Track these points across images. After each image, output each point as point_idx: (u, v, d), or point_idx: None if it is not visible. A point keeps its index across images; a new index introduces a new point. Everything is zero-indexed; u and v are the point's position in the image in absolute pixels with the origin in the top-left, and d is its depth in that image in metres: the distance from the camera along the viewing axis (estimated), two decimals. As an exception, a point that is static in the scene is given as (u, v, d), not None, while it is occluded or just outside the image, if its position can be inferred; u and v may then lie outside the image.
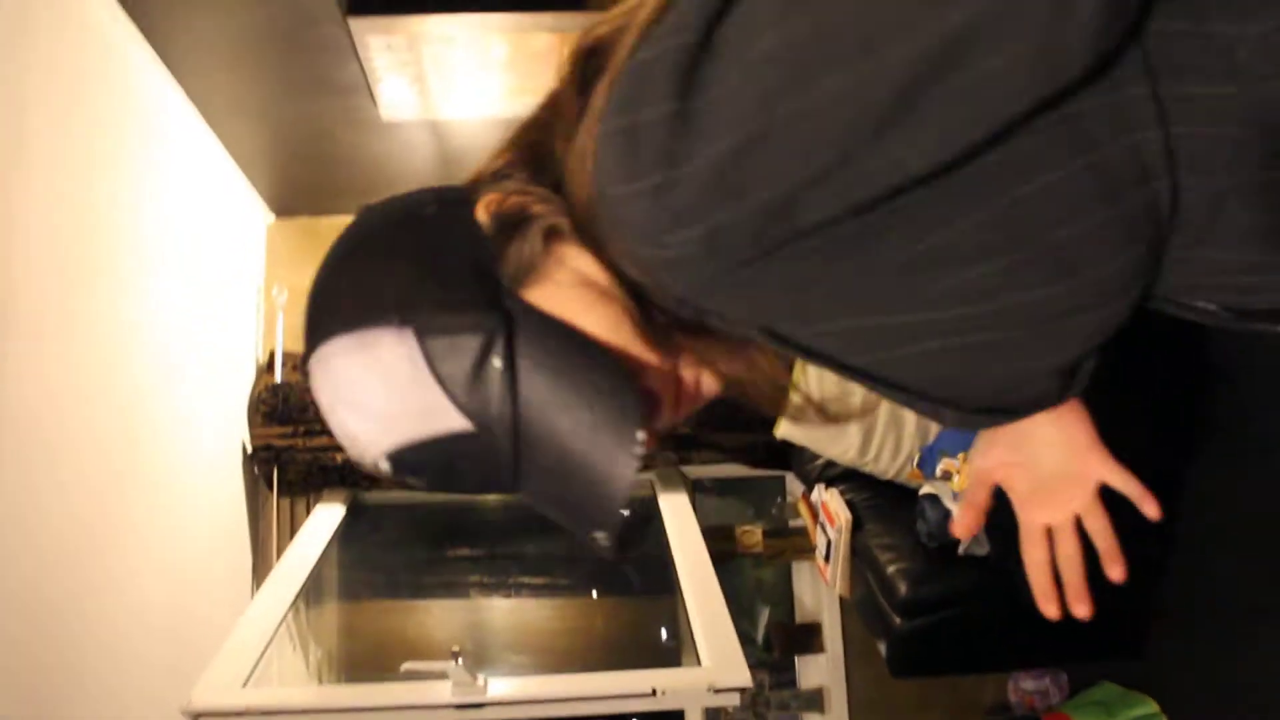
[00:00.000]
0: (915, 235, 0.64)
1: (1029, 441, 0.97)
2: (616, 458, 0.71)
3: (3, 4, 1.96)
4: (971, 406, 0.80)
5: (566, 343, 0.72)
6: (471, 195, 0.77)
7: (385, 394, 0.72)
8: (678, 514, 3.34)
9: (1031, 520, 1.02)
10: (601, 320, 0.73)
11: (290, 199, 3.68)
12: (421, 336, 0.71)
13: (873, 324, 0.70)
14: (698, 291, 0.69)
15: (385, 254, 0.76)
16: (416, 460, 0.73)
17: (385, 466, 0.74)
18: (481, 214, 0.75)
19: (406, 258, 0.75)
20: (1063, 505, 0.99)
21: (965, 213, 0.63)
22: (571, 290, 0.74)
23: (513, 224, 0.74)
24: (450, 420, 0.71)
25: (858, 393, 2.81)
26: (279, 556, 3.18)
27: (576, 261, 0.74)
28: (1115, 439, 2.28)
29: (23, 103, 2.06)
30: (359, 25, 2.51)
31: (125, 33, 2.48)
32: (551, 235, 0.74)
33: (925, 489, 2.71)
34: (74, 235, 2.29)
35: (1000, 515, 2.49)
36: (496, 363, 0.70)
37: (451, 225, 0.76)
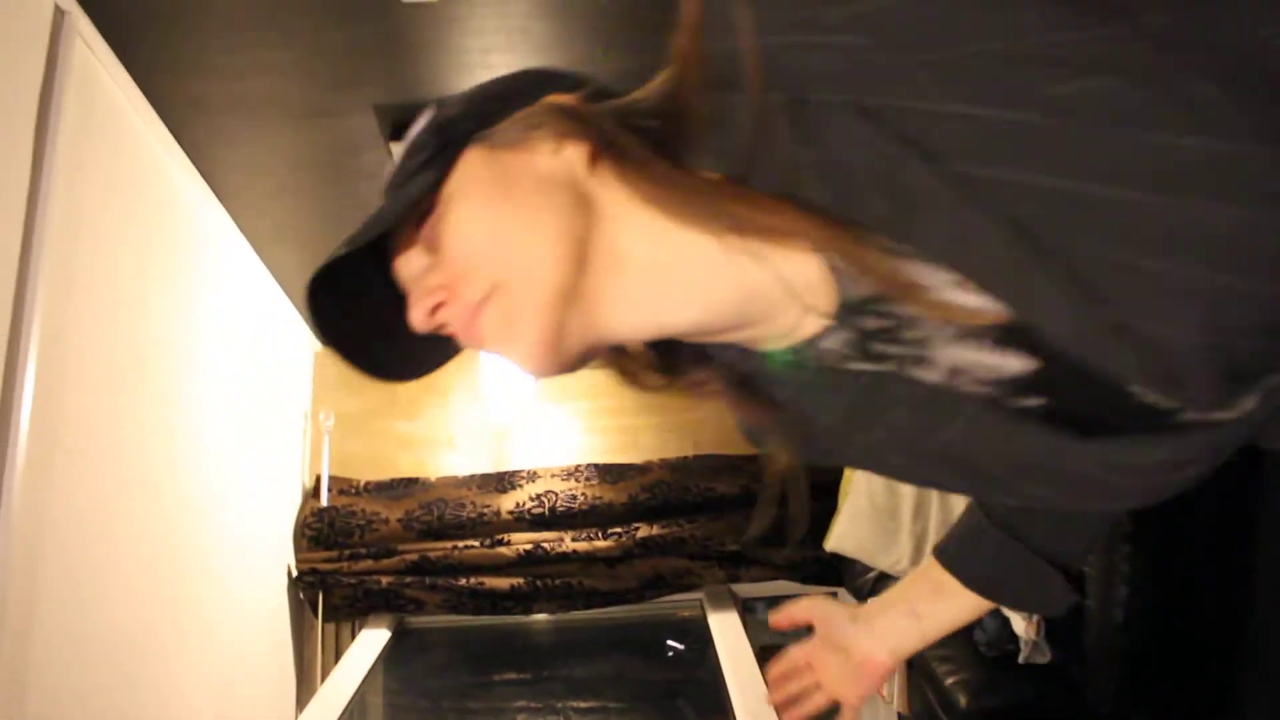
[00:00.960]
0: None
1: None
2: (371, 223, 0.76)
3: (61, 133, 2.03)
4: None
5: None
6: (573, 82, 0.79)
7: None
8: (729, 634, 3.27)
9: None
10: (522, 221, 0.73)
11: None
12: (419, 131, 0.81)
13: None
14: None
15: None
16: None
17: None
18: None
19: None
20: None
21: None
22: (537, 182, 0.74)
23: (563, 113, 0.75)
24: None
25: (907, 495, 2.73)
26: (323, 681, 3.14)
27: (583, 178, 0.74)
28: (1175, 523, 2.19)
29: (78, 226, 2.13)
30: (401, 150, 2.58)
31: (176, 161, 2.56)
32: (576, 137, 0.74)
33: (981, 596, 2.63)
34: (125, 357, 2.33)
35: (1063, 622, 2.41)
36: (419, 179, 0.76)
37: (525, 79, 0.81)
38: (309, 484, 3.60)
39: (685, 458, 3.61)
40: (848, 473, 2.97)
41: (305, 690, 3.39)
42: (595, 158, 0.74)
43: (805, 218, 0.66)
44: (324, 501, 3.46)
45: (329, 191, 2.84)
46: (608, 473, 3.53)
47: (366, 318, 0.84)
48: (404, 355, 0.86)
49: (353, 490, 3.53)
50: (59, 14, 2.07)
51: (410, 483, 3.57)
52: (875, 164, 0.62)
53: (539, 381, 3.34)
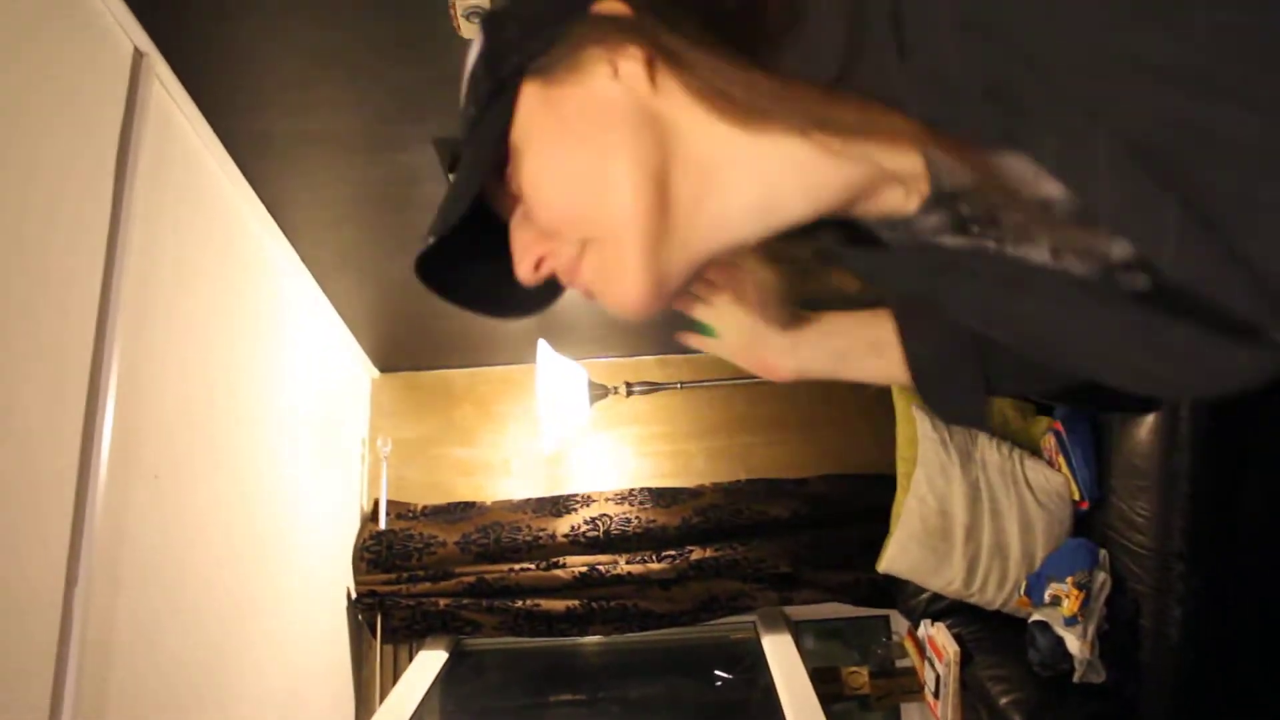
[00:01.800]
0: None
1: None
2: (456, 196, 0.74)
3: (139, 171, 2.12)
4: None
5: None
6: None
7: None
8: (782, 656, 3.29)
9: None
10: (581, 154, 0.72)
11: (393, 355, 3.82)
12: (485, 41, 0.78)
13: None
14: None
15: None
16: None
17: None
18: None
19: None
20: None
21: None
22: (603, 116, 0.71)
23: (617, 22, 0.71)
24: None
25: (959, 518, 2.72)
26: (381, 702, 3.19)
27: (646, 98, 0.70)
28: (1230, 541, 2.19)
29: (153, 261, 2.21)
30: (460, 180, 2.65)
31: (243, 195, 2.65)
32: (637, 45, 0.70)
33: (1035, 616, 2.64)
34: (197, 386, 2.42)
35: (1118, 640, 2.42)
36: (471, 110, 0.78)
37: None
38: (367, 508, 3.67)
39: (737, 481, 3.65)
40: (899, 495, 3.00)
41: (364, 711, 3.45)
42: (653, 71, 0.70)
43: (899, 119, 0.64)
44: (382, 525, 3.53)
45: (389, 221, 2.92)
46: (661, 496, 3.57)
47: (474, 264, 0.85)
48: (516, 291, 0.85)
49: (410, 514, 3.60)
50: (138, 56, 2.17)
51: (467, 506, 3.63)
52: (983, 74, 0.59)
53: (590, 409, 3.39)
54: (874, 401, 3.30)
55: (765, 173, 0.71)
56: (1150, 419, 2.45)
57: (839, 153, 0.68)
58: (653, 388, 3.54)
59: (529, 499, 3.65)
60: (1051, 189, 0.65)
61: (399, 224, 2.92)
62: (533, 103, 0.73)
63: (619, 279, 0.72)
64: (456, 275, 0.82)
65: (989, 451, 2.88)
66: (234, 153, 2.53)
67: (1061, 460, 2.73)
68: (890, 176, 0.70)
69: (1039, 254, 0.71)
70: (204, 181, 2.48)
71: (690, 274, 0.75)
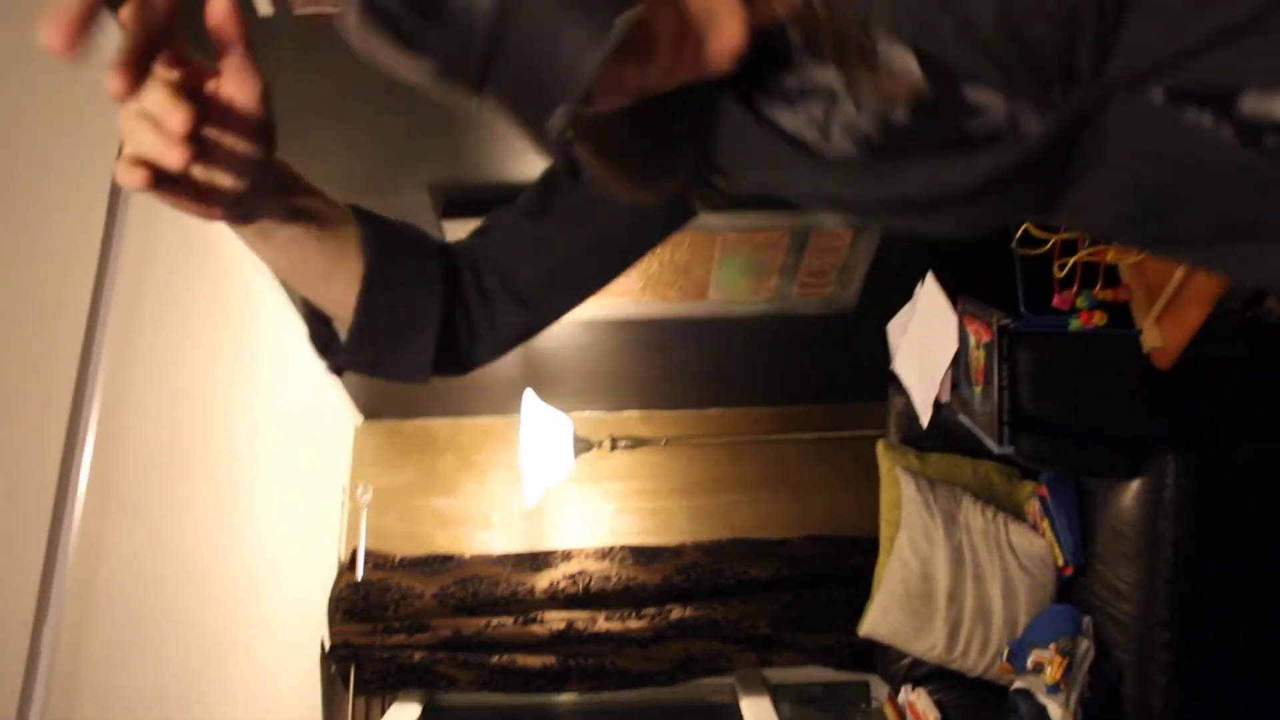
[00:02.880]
0: None
1: None
2: (586, 38, 0.70)
3: (131, 206, 2.12)
4: None
5: None
6: None
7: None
8: (760, 719, 3.25)
9: None
10: None
11: (377, 402, 3.80)
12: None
13: None
14: None
15: None
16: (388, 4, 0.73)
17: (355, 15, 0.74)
18: None
19: None
20: None
21: None
22: None
23: None
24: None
25: (941, 582, 2.71)
26: (353, 756, 3.13)
27: None
28: (1212, 609, 2.18)
29: (141, 296, 2.20)
30: (454, 228, 2.66)
31: (231, 235, 2.65)
32: None
33: (1017, 684, 2.62)
34: (177, 425, 2.39)
35: (1101, 709, 2.39)
36: None
37: None
38: (345, 557, 3.63)
39: (719, 541, 3.62)
40: (882, 557, 2.98)
41: (334, 765, 3.38)
42: None
43: None
44: (359, 575, 3.48)
45: (379, 268, 2.92)
46: (641, 554, 3.54)
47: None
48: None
49: (388, 565, 3.56)
50: (134, 91, 2.17)
51: (445, 559, 3.59)
52: None
53: (573, 463, 3.38)
54: (858, 463, 3.29)
55: None
56: (1134, 485, 2.45)
57: None
58: (637, 443, 3.53)
59: (508, 553, 3.61)
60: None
61: (389, 269, 2.91)
62: None
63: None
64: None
65: (973, 515, 2.87)
66: (227, 191, 2.52)
67: (1046, 525, 2.72)
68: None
69: (793, 121, 0.84)
70: (196, 221, 2.47)
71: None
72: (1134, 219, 0.84)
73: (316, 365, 2.73)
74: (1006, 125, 0.77)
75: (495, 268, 1.03)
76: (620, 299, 3.07)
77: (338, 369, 1.02)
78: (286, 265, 0.93)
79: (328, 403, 3.60)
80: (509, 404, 3.53)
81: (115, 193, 2.10)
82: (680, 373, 3.51)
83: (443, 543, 3.69)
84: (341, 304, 0.96)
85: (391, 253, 0.95)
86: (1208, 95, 0.72)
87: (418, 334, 0.97)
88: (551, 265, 1.04)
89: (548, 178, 1.05)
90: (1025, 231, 2.27)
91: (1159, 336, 2.25)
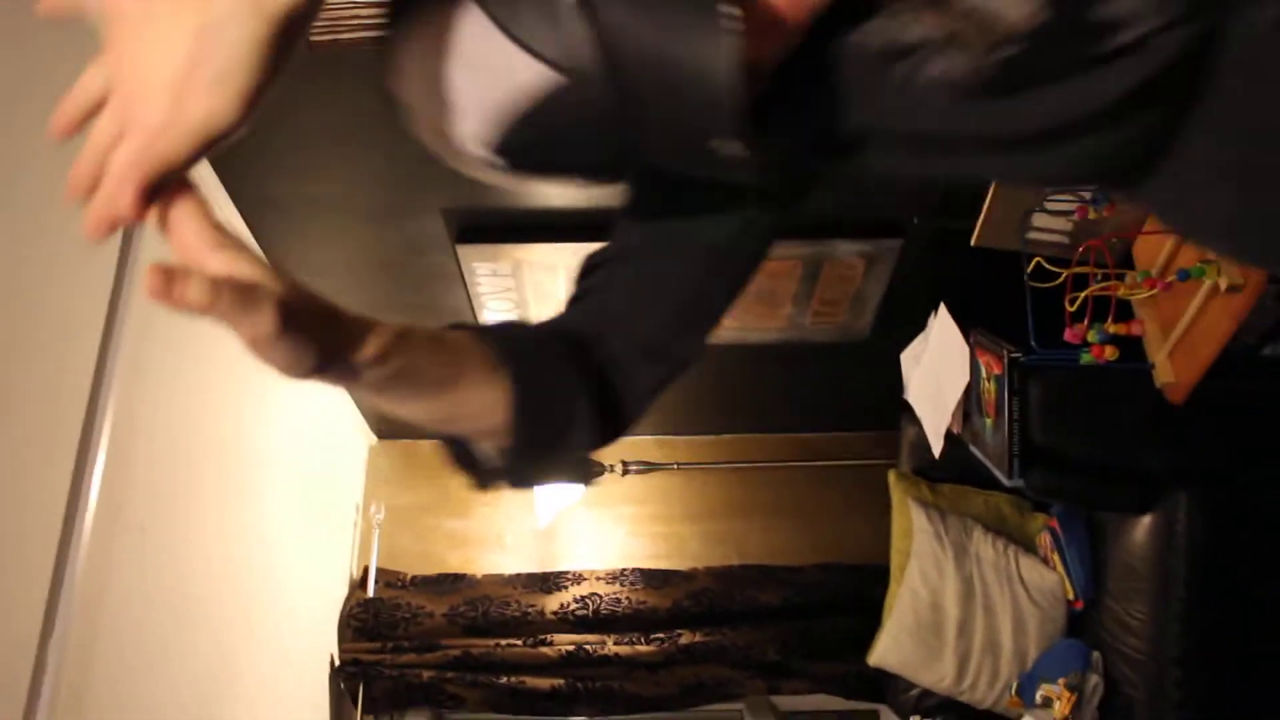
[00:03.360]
0: None
1: None
2: (707, 40, 0.66)
3: (143, 240, 2.15)
4: None
5: None
6: None
7: (466, 75, 0.70)
8: (768, 747, 3.23)
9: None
10: None
11: (391, 422, 3.81)
12: (484, 5, 0.68)
13: None
14: None
15: None
16: (518, 138, 0.71)
17: (489, 155, 0.73)
18: None
19: None
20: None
21: None
22: None
23: None
24: (537, 75, 0.68)
25: (951, 613, 2.69)
26: (360, 776, 3.14)
27: None
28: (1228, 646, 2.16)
29: (153, 317, 2.23)
30: (466, 252, 2.68)
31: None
32: None
33: (1025, 718, 2.60)
34: (188, 443, 2.41)
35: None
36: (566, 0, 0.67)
37: None
38: (356, 575, 3.64)
39: (730, 566, 3.61)
40: (893, 587, 2.97)
41: (341, 783, 3.39)
42: None
43: None
44: (370, 593, 3.49)
45: (394, 289, 2.94)
46: (653, 578, 3.54)
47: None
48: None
49: (399, 583, 3.56)
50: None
51: (457, 579, 3.59)
52: None
53: (588, 486, 3.38)
54: (870, 492, 3.28)
55: None
56: (1146, 520, 2.43)
57: None
58: (649, 467, 3.53)
59: (519, 574, 3.62)
60: None
61: (404, 292, 2.94)
62: None
63: None
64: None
65: (984, 546, 2.86)
66: (243, 213, 2.55)
67: (1056, 558, 2.71)
68: None
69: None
70: (212, 239, 2.50)
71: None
72: (1239, 171, 0.79)
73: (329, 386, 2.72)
74: (1137, 40, 0.72)
75: (616, 333, 0.95)
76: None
77: (499, 484, 0.96)
78: (412, 413, 0.85)
79: (342, 422, 3.62)
80: (522, 425, 3.53)
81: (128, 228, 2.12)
82: (694, 398, 3.51)
83: (454, 563, 3.70)
84: (483, 427, 0.89)
85: (525, 367, 0.88)
86: None
87: (575, 435, 0.93)
88: (671, 309, 0.96)
89: (626, 217, 0.98)
90: (1037, 265, 2.26)
91: (1172, 371, 2.24)
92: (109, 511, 2.03)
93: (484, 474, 0.94)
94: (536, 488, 3.41)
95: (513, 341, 0.89)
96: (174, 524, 2.35)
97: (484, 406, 0.86)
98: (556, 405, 0.90)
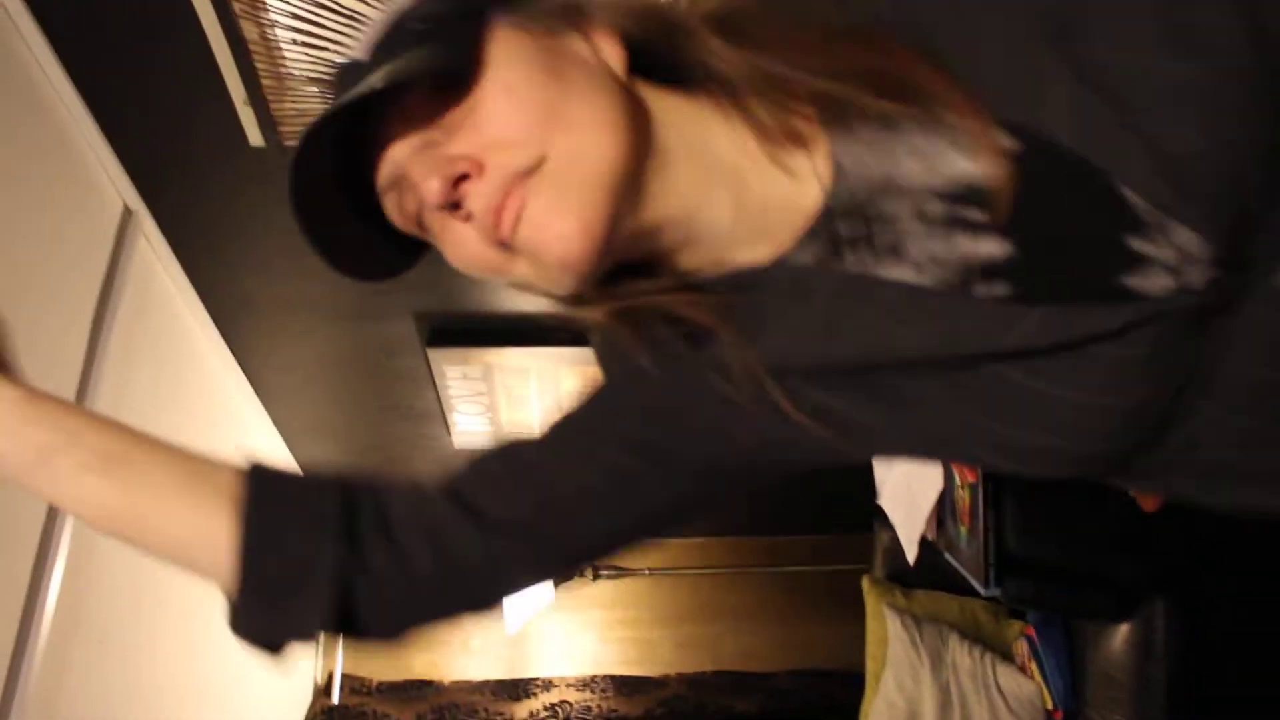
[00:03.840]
0: None
1: None
2: (399, 71, 0.67)
3: (117, 322, 2.13)
4: None
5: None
6: None
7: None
8: None
9: None
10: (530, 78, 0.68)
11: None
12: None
13: None
14: None
15: None
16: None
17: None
18: None
19: None
20: None
21: None
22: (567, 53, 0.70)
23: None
24: None
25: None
26: None
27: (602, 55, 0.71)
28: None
29: (123, 408, 2.20)
30: (437, 356, 2.67)
31: (218, 352, 2.66)
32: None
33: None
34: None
35: None
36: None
37: None
38: (321, 681, 3.56)
39: (703, 672, 3.56)
40: (869, 695, 2.92)
41: None
42: (628, 65, 0.71)
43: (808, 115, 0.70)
44: (335, 700, 3.41)
45: (362, 389, 2.93)
46: (624, 685, 3.47)
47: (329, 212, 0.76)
48: (358, 253, 0.79)
49: (365, 690, 3.48)
50: (127, 213, 2.20)
51: (423, 685, 3.52)
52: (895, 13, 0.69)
53: (554, 592, 3.33)
54: (844, 596, 3.24)
55: (711, 164, 0.72)
56: (1124, 628, 2.41)
57: (765, 157, 0.71)
58: (620, 573, 3.49)
59: (488, 680, 3.54)
60: (945, 171, 0.67)
61: (372, 392, 2.92)
62: (512, 37, 0.70)
63: (574, 200, 0.67)
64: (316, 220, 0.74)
65: (960, 655, 2.82)
66: (213, 312, 2.54)
67: (1034, 667, 2.67)
68: (789, 202, 0.71)
69: (907, 270, 0.69)
70: (180, 335, 2.49)
71: (614, 249, 0.69)
72: (1253, 434, 0.70)
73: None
74: (1169, 280, 0.65)
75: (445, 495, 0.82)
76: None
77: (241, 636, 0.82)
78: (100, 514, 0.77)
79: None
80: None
81: (102, 304, 2.11)
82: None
83: (421, 668, 3.63)
84: (203, 563, 0.80)
85: (265, 510, 0.78)
86: None
87: (303, 605, 0.78)
88: (537, 497, 0.82)
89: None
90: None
91: (1145, 480, 2.24)
92: (67, 620, 1.98)
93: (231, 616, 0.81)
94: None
95: (274, 484, 0.79)
96: (137, 632, 2.29)
97: (199, 537, 0.77)
98: (286, 563, 0.76)
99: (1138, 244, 0.64)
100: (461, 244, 0.71)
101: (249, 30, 1.87)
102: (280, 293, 2.49)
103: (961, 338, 0.68)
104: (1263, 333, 0.66)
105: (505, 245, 0.69)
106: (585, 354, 2.68)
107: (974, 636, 2.88)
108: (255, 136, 2.08)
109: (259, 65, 1.94)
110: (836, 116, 0.69)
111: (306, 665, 3.51)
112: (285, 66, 1.94)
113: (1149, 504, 2.25)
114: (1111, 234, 0.65)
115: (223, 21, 1.85)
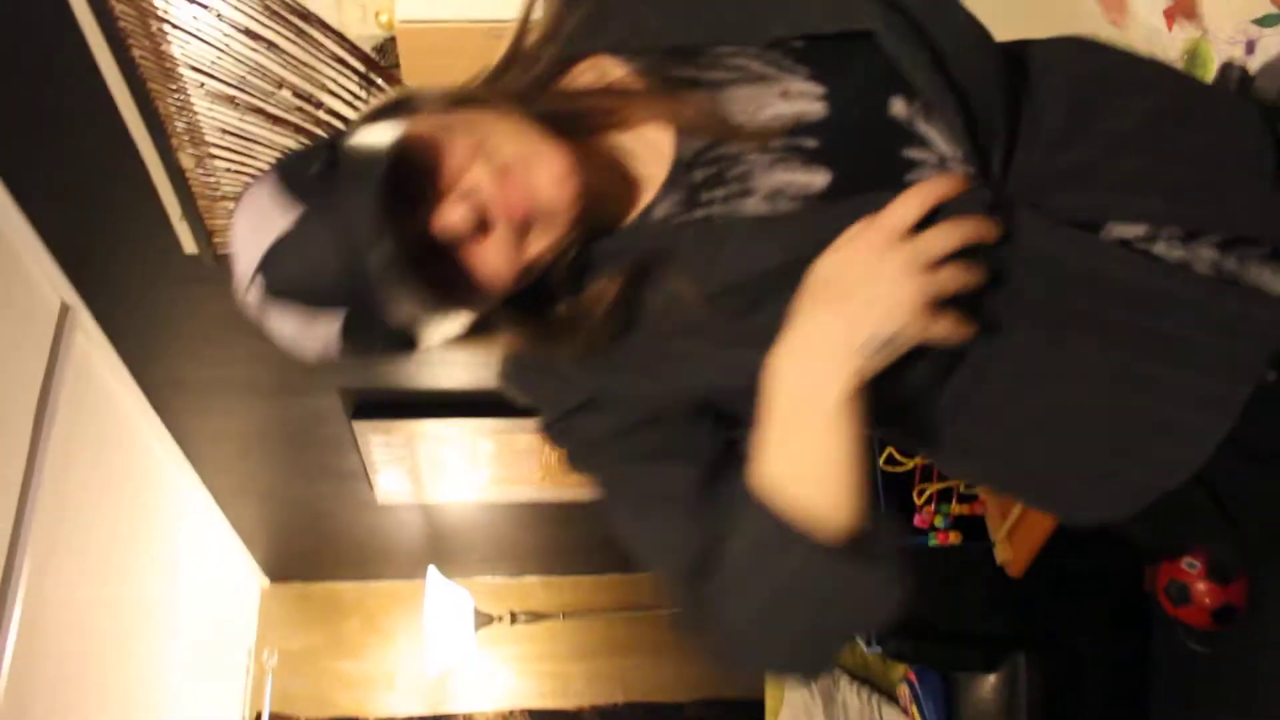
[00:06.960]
0: None
1: None
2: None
3: (59, 411, 2.26)
4: None
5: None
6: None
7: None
8: None
9: None
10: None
11: (286, 566, 3.87)
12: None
13: None
14: None
15: None
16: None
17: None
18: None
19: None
20: None
21: None
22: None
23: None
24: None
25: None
26: None
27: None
28: None
29: (65, 486, 2.34)
30: (362, 427, 2.83)
31: (154, 429, 2.79)
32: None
33: None
34: (92, 601, 2.51)
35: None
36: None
37: None
38: (249, 719, 3.68)
39: (615, 704, 3.73)
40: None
41: None
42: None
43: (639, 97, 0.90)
44: (262, 740, 3.53)
45: (291, 455, 3.07)
46: (540, 718, 3.64)
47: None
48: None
49: (291, 729, 3.61)
50: (64, 310, 2.33)
51: (348, 723, 3.65)
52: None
53: (474, 640, 3.47)
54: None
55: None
56: (992, 678, 2.65)
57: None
58: (536, 618, 3.64)
59: (411, 716, 3.69)
60: (775, 109, 0.87)
61: (303, 456, 3.07)
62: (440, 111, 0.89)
63: (542, 159, 0.83)
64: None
65: (850, 695, 3.03)
66: (149, 394, 2.68)
67: (915, 710, 2.89)
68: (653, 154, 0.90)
69: (758, 203, 0.86)
70: (118, 419, 2.62)
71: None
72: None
73: (228, 536, 2.76)
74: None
75: None
76: (521, 486, 3.24)
77: None
78: None
79: (236, 567, 3.68)
80: (416, 569, 3.63)
81: (44, 396, 2.24)
82: (580, 543, 3.66)
83: (347, 705, 3.76)
84: None
85: None
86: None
87: None
88: None
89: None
90: (890, 454, 2.49)
91: (1010, 550, 2.47)
92: (23, 669, 2.12)
93: None
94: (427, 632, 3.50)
95: None
96: (79, 682, 2.43)
97: None
98: None
99: (910, 152, 0.86)
100: (490, 256, 0.84)
101: (185, 160, 2.02)
102: (211, 374, 2.64)
103: (807, 242, 0.84)
104: (1037, 245, 0.85)
105: (526, 222, 0.84)
106: (501, 424, 2.86)
107: (863, 678, 3.10)
108: (190, 245, 2.22)
109: (194, 188, 2.09)
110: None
111: (234, 706, 3.63)
112: (219, 190, 2.09)
113: (1014, 571, 2.48)
114: (892, 147, 0.86)
115: (160, 152, 2.00)
